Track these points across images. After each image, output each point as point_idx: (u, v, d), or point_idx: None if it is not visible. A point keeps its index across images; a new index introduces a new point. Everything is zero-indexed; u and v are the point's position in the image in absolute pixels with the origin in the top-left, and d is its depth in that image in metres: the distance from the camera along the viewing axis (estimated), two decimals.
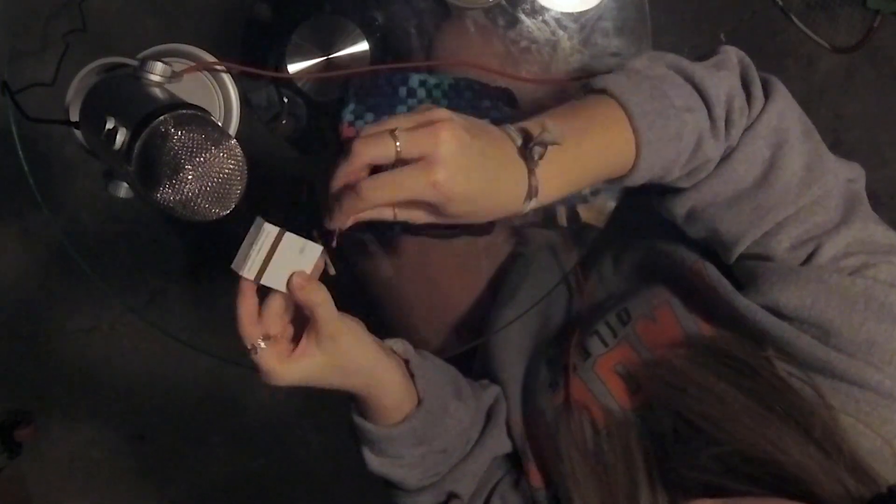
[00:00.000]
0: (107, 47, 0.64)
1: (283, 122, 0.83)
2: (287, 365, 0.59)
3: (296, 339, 0.61)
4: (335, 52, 0.80)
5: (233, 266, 0.56)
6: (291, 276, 0.57)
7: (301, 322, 0.61)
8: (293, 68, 0.79)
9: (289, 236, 0.56)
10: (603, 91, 0.57)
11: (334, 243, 0.56)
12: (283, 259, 0.56)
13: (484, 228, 0.80)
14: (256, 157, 0.57)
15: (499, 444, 0.76)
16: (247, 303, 0.58)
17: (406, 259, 0.91)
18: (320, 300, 0.58)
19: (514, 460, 0.78)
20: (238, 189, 0.54)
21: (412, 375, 0.68)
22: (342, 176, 0.51)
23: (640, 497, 0.60)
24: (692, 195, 0.61)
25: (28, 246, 1.69)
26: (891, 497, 0.48)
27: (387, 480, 0.72)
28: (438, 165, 0.49)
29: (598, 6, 0.83)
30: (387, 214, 0.54)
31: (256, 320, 0.58)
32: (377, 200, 0.50)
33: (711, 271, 0.64)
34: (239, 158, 0.54)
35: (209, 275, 1.37)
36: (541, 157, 0.53)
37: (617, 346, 0.71)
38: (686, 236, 0.68)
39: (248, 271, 0.56)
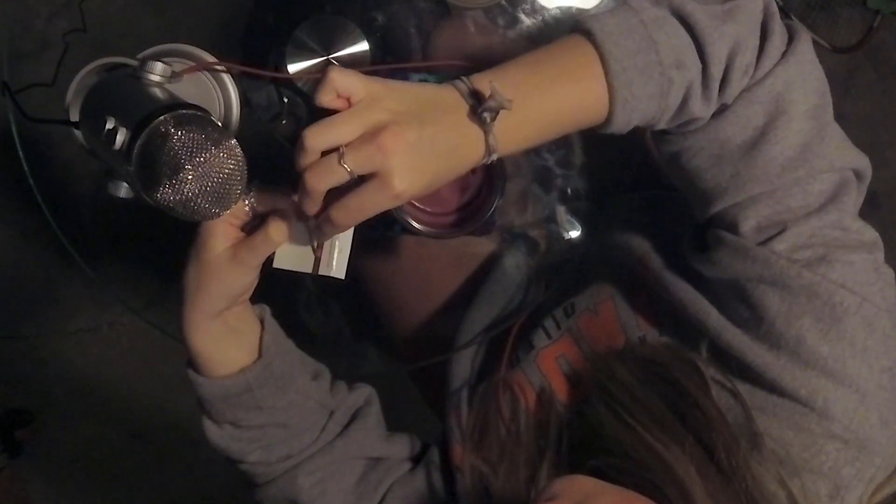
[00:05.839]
0: (107, 47, 0.64)
1: (283, 122, 0.83)
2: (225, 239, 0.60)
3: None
4: (335, 52, 0.80)
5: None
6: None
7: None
8: (293, 68, 0.79)
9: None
10: (589, 33, 0.53)
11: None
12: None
13: (483, 228, 0.80)
14: (256, 157, 0.57)
15: (361, 444, 0.72)
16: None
17: (403, 258, 0.91)
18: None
19: (416, 458, 0.77)
20: (238, 189, 0.54)
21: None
22: (309, 210, 0.53)
23: (542, 467, 0.61)
24: (678, 140, 0.59)
25: (28, 246, 1.69)
26: None
27: (232, 459, 0.69)
28: (393, 177, 0.49)
29: (598, 6, 0.83)
30: None
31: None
32: (350, 223, 0.52)
33: (657, 263, 0.64)
34: (239, 158, 0.54)
35: None
36: (493, 120, 0.51)
37: (560, 339, 0.71)
38: (639, 230, 0.68)
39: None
